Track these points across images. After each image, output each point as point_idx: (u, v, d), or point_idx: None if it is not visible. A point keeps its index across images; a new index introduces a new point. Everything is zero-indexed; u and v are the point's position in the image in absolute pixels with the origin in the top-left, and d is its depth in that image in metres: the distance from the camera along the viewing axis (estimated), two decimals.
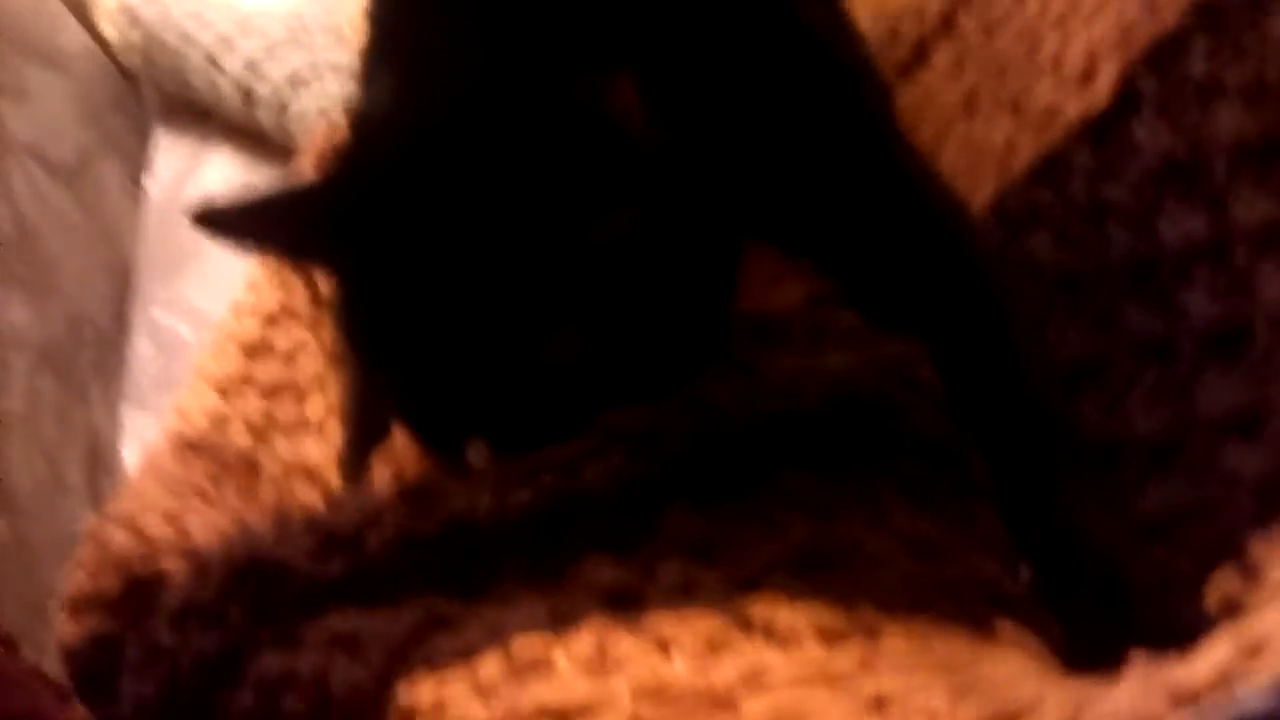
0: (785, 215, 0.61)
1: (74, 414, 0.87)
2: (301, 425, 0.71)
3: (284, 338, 0.74)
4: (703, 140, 0.55)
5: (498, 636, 0.48)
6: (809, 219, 0.61)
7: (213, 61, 0.99)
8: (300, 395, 0.72)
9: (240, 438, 0.69)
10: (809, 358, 0.55)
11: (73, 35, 1.09)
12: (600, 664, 0.46)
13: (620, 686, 0.45)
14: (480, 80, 0.53)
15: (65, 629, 0.54)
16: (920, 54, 0.68)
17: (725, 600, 0.48)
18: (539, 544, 0.51)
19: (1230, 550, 0.49)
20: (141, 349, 0.92)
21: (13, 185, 0.90)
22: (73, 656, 0.54)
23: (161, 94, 1.06)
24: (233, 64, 0.98)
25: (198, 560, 0.55)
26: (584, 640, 0.47)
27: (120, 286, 0.97)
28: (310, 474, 0.68)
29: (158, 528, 0.58)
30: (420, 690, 0.47)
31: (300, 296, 0.73)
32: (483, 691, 0.46)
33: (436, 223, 0.52)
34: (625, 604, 0.48)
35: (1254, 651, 0.37)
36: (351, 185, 0.55)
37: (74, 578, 0.56)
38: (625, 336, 0.52)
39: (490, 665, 0.47)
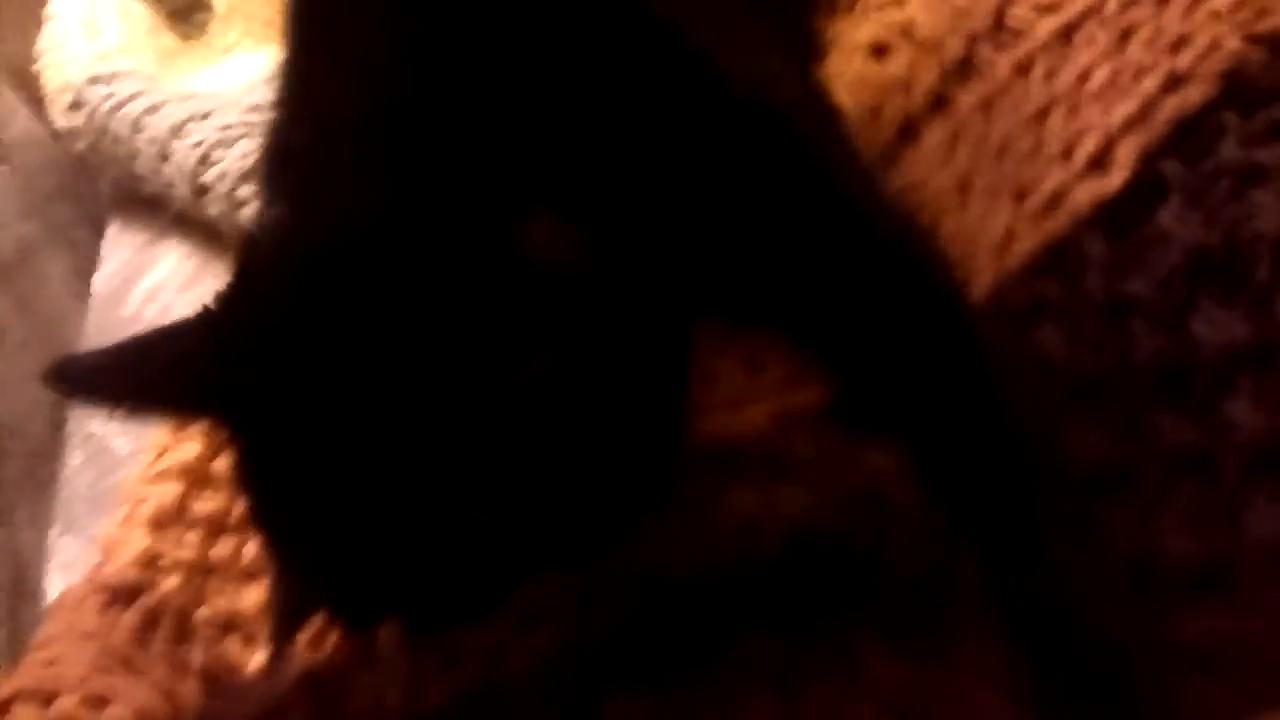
0: (746, 288, 0.53)
1: None
2: (240, 570, 0.63)
3: (227, 464, 0.66)
4: (640, 240, 0.48)
5: None
6: (770, 291, 0.53)
7: (162, 153, 0.93)
8: (241, 532, 0.64)
9: (172, 582, 0.61)
10: (765, 494, 0.47)
11: (21, 124, 1.03)
12: None
13: None
14: (385, 214, 0.46)
15: None
16: (907, 134, 0.61)
17: None
18: None
19: None
20: (73, 463, 0.84)
21: None
22: None
23: (113, 184, 1.00)
24: (183, 154, 0.92)
25: None
26: None
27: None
28: (246, 631, 0.60)
29: (75, 710, 0.52)
30: None
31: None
32: None
33: (331, 372, 0.45)
34: None
35: None
36: (234, 328, 0.48)
37: None
38: (550, 492, 0.45)
39: None
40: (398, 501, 0.44)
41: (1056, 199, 0.56)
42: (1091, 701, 0.43)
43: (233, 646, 0.58)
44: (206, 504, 0.63)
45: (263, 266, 0.49)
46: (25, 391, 0.87)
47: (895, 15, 0.64)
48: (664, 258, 0.49)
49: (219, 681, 0.54)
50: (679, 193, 0.50)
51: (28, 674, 0.54)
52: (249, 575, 0.61)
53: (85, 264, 0.99)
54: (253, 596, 0.60)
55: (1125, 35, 0.57)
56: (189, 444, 0.66)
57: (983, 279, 0.55)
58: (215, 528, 0.62)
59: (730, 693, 0.42)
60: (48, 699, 0.51)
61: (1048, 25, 0.59)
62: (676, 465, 0.49)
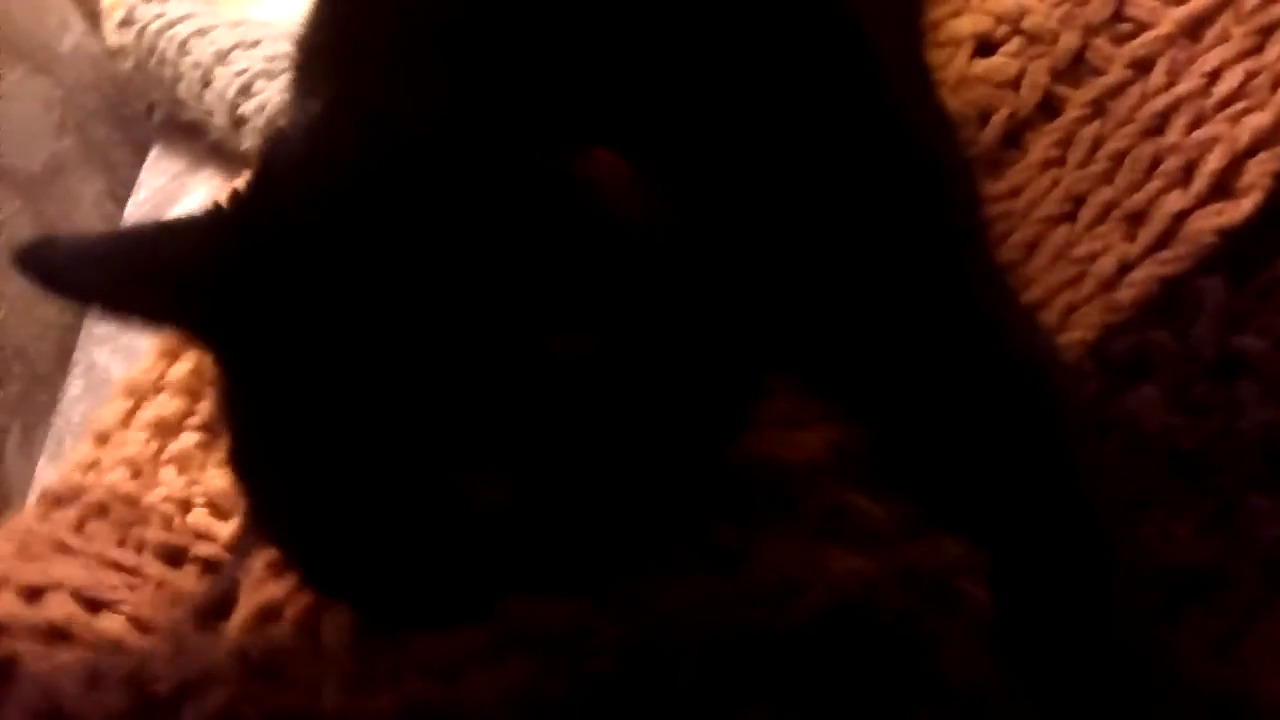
0: (819, 345, 0.46)
1: None
2: (201, 458, 0.59)
3: (184, 369, 0.63)
4: (723, 241, 0.41)
5: None
6: (850, 353, 0.46)
7: (205, 78, 0.89)
8: (204, 429, 0.60)
9: (115, 477, 0.58)
10: (813, 552, 0.39)
11: (73, 38, 0.99)
12: None
13: None
14: (438, 123, 0.40)
15: None
16: (1012, 139, 0.53)
17: None
18: None
19: None
20: (72, 394, 0.80)
21: None
22: None
23: (157, 107, 0.96)
24: (225, 81, 0.87)
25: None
26: None
27: (72, 318, 0.86)
28: (215, 505, 0.56)
29: (10, 604, 0.50)
30: None
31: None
32: None
33: (341, 302, 0.38)
34: None
35: None
36: (243, 233, 0.41)
37: None
38: (559, 491, 0.38)
39: None
40: (385, 468, 0.38)
41: (1175, 227, 0.48)
42: None
43: (199, 519, 0.55)
44: (153, 411, 0.60)
45: (287, 166, 0.42)
46: (36, 315, 0.84)
47: (1004, 3, 0.56)
48: (753, 264, 0.42)
49: (182, 555, 0.51)
50: (790, 214, 0.43)
51: None
52: (202, 467, 0.57)
53: (121, 188, 0.96)
54: (215, 480, 0.56)
55: (1266, 32, 0.49)
56: (144, 361, 0.64)
57: (1088, 320, 0.48)
58: (164, 429, 0.60)
59: None
60: None
61: (1174, 16, 0.52)
62: (714, 484, 0.42)
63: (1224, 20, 0.51)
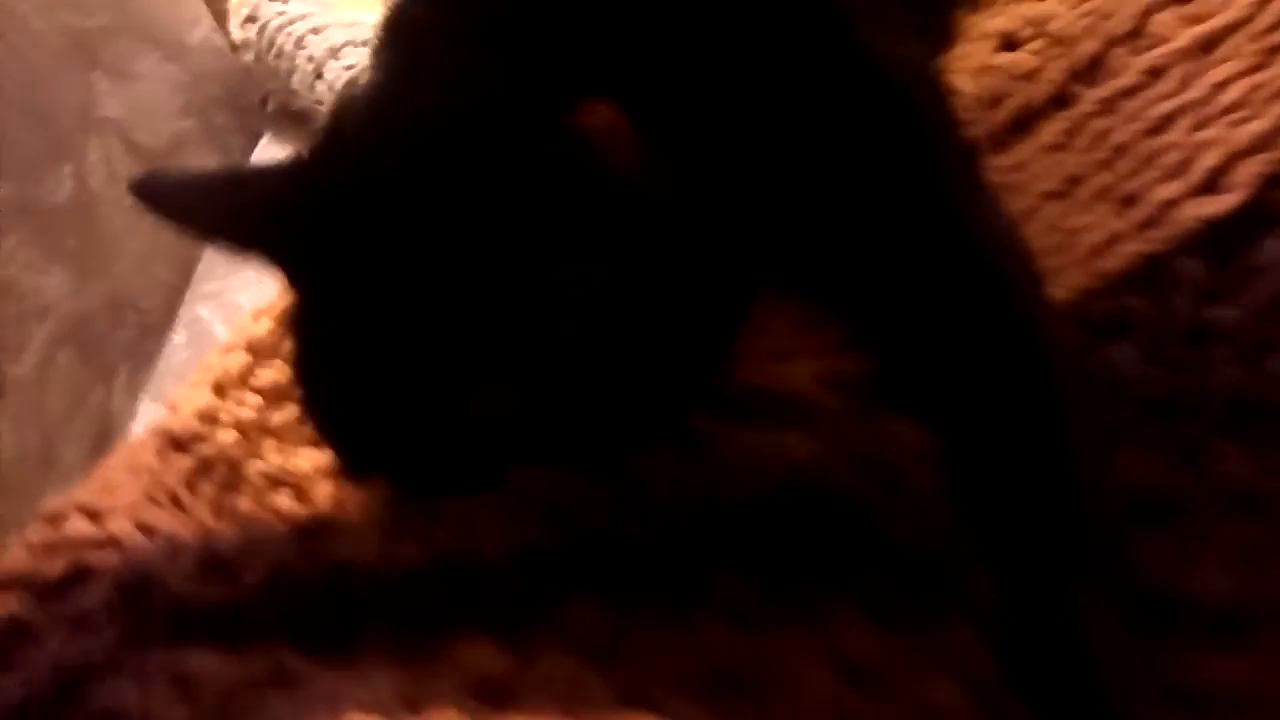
0: (816, 260, 0.50)
1: (91, 394, 0.83)
2: (299, 435, 0.62)
3: None
4: (718, 176, 0.46)
5: (332, 708, 0.40)
6: (843, 268, 0.50)
7: (317, 71, 0.97)
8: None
9: (227, 437, 0.62)
10: (775, 435, 0.45)
11: (202, 32, 1.09)
12: None
13: None
14: (469, 95, 0.46)
15: None
16: (1022, 124, 0.58)
17: (605, 711, 0.39)
18: (417, 612, 0.43)
19: None
20: (176, 343, 0.88)
21: (86, 157, 0.88)
22: None
23: (271, 97, 1.05)
24: (335, 74, 0.96)
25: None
26: None
27: (182, 278, 0.94)
28: (296, 485, 0.59)
29: (119, 523, 0.53)
30: None
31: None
32: None
33: (389, 239, 0.45)
34: (493, 697, 0.39)
35: None
36: (309, 179, 0.48)
37: (13, 553, 0.52)
38: (570, 401, 0.44)
39: None
40: (418, 373, 0.44)
41: (1163, 212, 0.52)
42: None
43: (282, 499, 0.58)
44: (270, 374, 0.64)
45: (357, 126, 0.49)
46: (150, 271, 0.92)
47: (1032, 9, 0.61)
48: (742, 203, 0.47)
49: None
50: (773, 137, 0.48)
51: (85, 492, 0.56)
52: (308, 441, 0.60)
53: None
54: (307, 459, 0.60)
55: (1269, 54, 0.53)
56: (263, 320, 0.68)
57: (1071, 281, 0.52)
58: (277, 395, 0.63)
59: (691, 618, 0.41)
60: (100, 516, 0.53)
61: (1190, 34, 0.56)
62: (702, 399, 0.47)
63: (1237, 38, 0.55)
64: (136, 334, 0.88)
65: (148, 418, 0.84)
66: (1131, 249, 0.51)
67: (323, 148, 0.50)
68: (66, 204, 0.85)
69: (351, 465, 0.47)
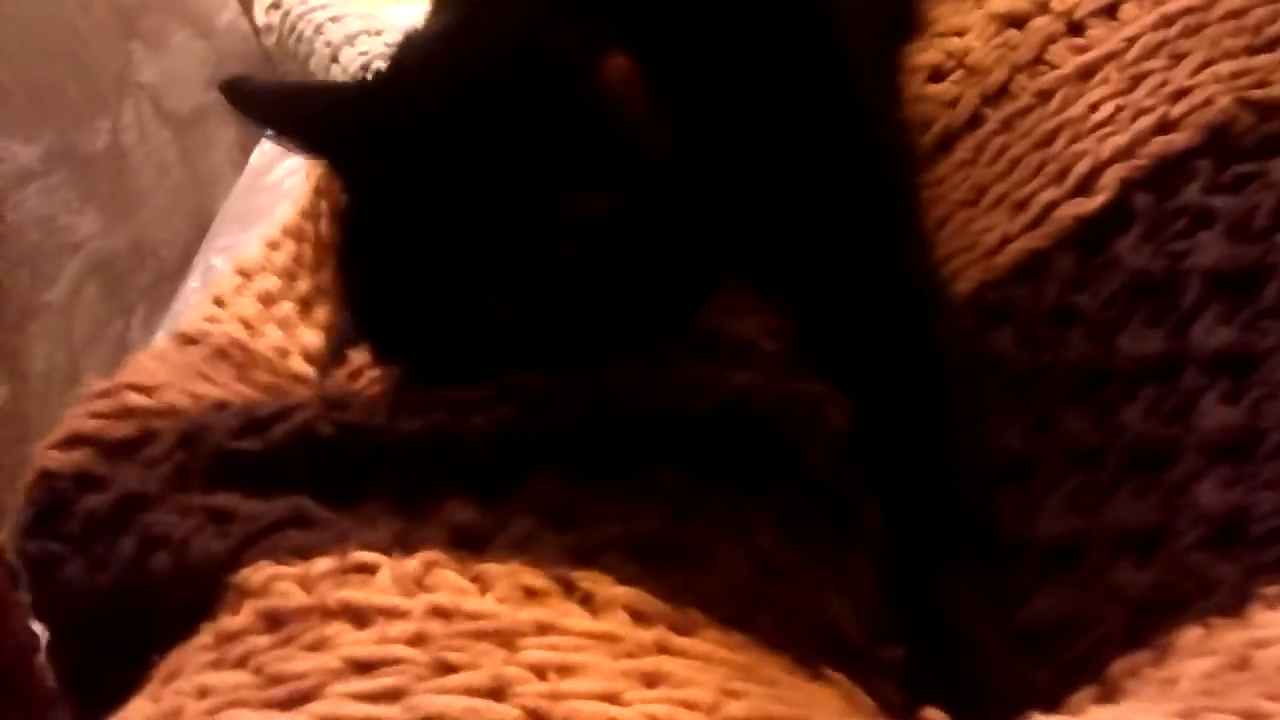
0: (766, 248, 0.62)
1: (111, 325, 0.93)
2: (294, 324, 0.73)
3: (281, 257, 0.76)
4: (711, 155, 0.56)
5: (340, 544, 0.49)
6: (789, 257, 0.62)
7: (333, 55, 1.07)
8: (301, 303, 0.74)
9: (231, 328, 0.71)
10: (722, 371, 0.55)
11: (229, 15, 1.19)
12: (416, 585, 0.47)
13: (419, 602, 0.45)
14: (505, 33, 0.56)
15: (51, 459, 0.56)
16: (944, 144, 0.68)
17: (559, 563, 0.48)
18: (414, 473, 0.53)
19: (1095, 673, 0.49)
20: (190, 287, 0.98)
21: (121, 115, 0.98)
22: (46, 485, 0.56)
23: (291, 75, 1.14)
24: (349, 59, 1.05)
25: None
26: (414, 562, 0.48)
27: (198, 232, 1.04)
28: (306, 353, 0.70)
29: (170, 393, 0.61)
30: (257, 573, 0.49)
31: (316, 226, 0.75)
32: (306, 584, 0.48)
33: (428, 154, 0.54)
34: (469, 544, 0.49)
35: None
36: (372, 97, 0.58)
37: (78, 419, 0.58)
38: (561, 313, 0.54)
39: (323, 564, 0.48)
40: (435, 274, 0.54)
41: (1046, 213, 0.63)
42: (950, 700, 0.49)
43: (295, 363, 0.68)
44: (262, 284, 0.73)
45: (413, 57, 0.60)
46: (170, 224, 1.02)
47: (955, 43, 0.71)
48: (725, 172, 0.57)
49: (284, 392, 0.63)
50: (758, 128, 0.58)
51: (129, 373, 0.63)
52: (299, 329, 0.70)
53: (250, 142, 1.14)
54: (302, 341, 0.70)
55: (1137, 80, 0.64)
56: (250, 249, 0.77)
57: (970, 277, 0.63)
58: (270, 299, 0.72)
59: (634, 498, 0.50)
60: (151, 391, 0.60)
61: (1075, 62, 0.66)
62: (674, 332, 0.57)
63: (1110, 68, 0.65)
64: (155, 277, 0.98)
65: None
66: (1020, 246, 0.62)
67: (383, 76, 0.60)
68: (102, 154, 0.95)
69: (378, 347, 0.57)
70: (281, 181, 1.06)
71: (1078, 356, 0.58)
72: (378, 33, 1.07)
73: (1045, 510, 0.55)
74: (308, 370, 0.70)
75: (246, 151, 1.13)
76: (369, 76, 0.60)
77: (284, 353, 0.71)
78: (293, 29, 1.11)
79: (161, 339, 0.73)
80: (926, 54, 0.72)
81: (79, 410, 0.59)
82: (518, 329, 0.54)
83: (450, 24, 0.61)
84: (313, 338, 0.68)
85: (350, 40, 1.07)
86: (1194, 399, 0.54)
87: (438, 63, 0.58)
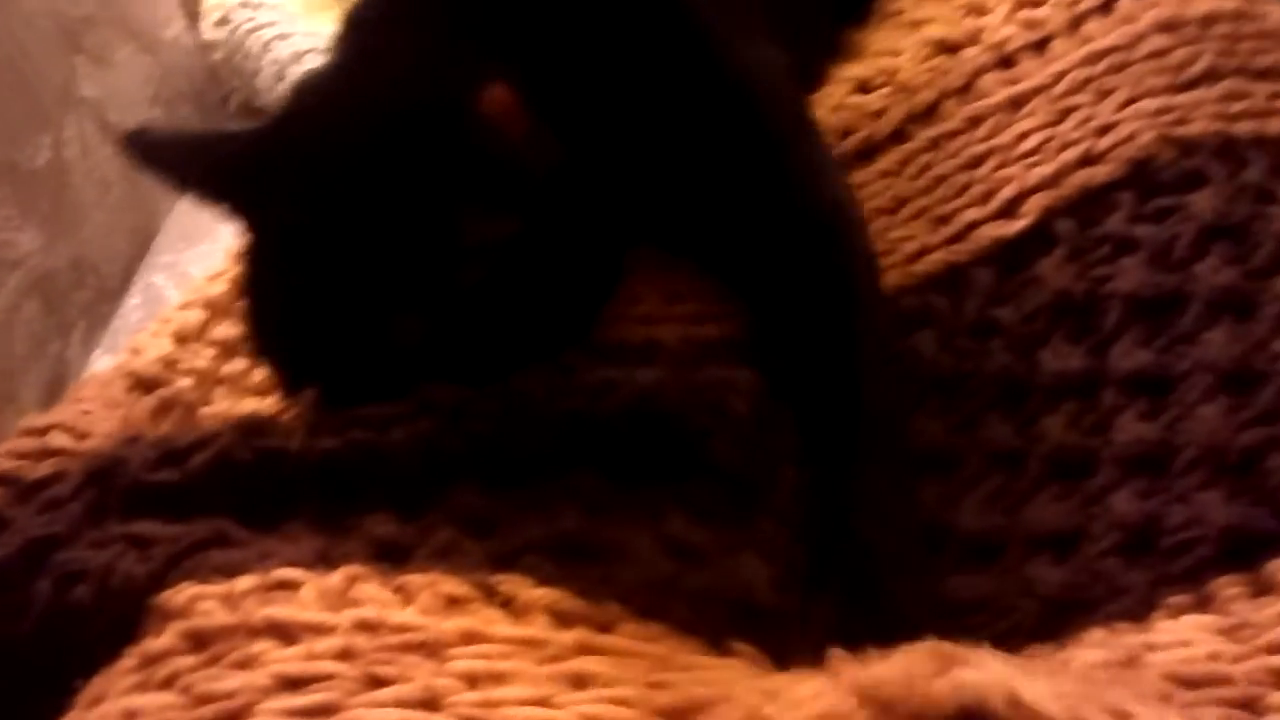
0: (686, 226, 0.64)
1: (50, 343, 0.92)
2: (246, 385, 0.70)
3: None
4: (599, 158, 0.58)
5: (263, 562, 0.50)
6: (709, 232, 0.64)
7: (280, 74, 1.07)
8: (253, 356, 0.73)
9: (185, 384, 0.70)
10: (626, 371, 0.56)
11: (176, 30, 1.18)
12: (340, 598, 0.48)
13: (345, 617, 0.46)
14: (393, 71, 0.58)
15: None
16: (865, 154, 0.70)
17: (479, 570, 0.49)
18: (334, 490, 0.53)
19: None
20: (131, 304, 0.97)
21: (64, 132, 0.97)
22: None
23: (235, 94, 1.14)
24: (296, 78, 1.05)
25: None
26: (336, 578, 0.49)
27: (140, 249, 1.03)
28: None
29: (96, 443, 0.61)
30: (179, 594, 0.49)
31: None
32: (230, 602, 0.48)
33: (330, 192, 0.56)
34: (391, 557, 0.50)
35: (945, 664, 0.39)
36: (271, 140, 0.60)
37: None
38: (470, 333, 0.56)
39: (246, 582, 0.49)
40: (346, 305, 0.55)
41: (967, 231, 0.65)
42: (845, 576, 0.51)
43: None
44: (224, 329, 0.72)
45: (309, 99, 0.61)
46: (111, 241, 1.01)
47: (886, 62, 0.73)
48: (616, 177, 0.59)
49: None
50: (641, 121, 0.60)
51: (64, 412, 0.64)
52: (254, 391, 0.68)
53: None
54: (252, 406, 0.67)
55: (1064, 114, 0.66)
56: (218, 284, 0.76)
57: (890, 281, 0.65)
58: (228, 349, 0.71)
59: (549, 503, 0.52)
60: (79, 434, 0.62)
61: (1005, 93, 0.68)
62: (578, 341, 0.59)
63: (1039, 100, 0.67)
64: (95, 294, 0.97)
65: (99, 368, 0.92)
66: (938, 258, 0.64)
67: (282, 118, 0.61)
68: (44, 170, 0.94)
69: (288, 380, 0.58)
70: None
71: (999, 367, 0.60)
72: (325, 51, 1.07)
73: (966, 503, 0.57)
74: None
75: None
76: (266, 122, 0.61)
77: (225, 420, 0.70)
78: (240, 46, 1.11)
79: (112, 366, 0.72)
80: (856, 68, 0.75)
81: (2, 448, 0.59)
82: (429, 351, 0.55)
83: (341, 65, 0.63)
84: (253, 406, 0.67)
85: (298, 59, 1.07)
86: (1112, 415, 0.56)
87: (332, 103, 0.59)
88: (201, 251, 0.98)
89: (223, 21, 1.14)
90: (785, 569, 0.52)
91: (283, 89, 1.06)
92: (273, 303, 0.58)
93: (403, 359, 0.55)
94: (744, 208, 0.62)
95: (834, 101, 0.71)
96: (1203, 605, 0.48)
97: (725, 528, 0.52)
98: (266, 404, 0.69)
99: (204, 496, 0.54)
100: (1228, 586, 0.48)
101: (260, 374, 0.73)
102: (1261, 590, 0.48)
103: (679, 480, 0.53)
